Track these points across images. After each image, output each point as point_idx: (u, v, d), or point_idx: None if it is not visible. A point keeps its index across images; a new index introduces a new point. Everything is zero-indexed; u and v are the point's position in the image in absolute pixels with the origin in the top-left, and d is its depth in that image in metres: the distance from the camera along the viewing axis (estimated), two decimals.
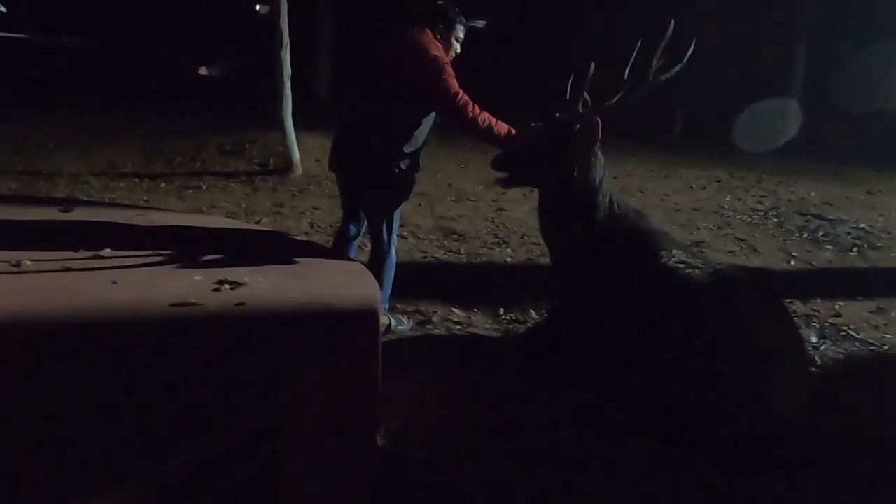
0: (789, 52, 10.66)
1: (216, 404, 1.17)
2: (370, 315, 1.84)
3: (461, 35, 2.89)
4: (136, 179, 6.28)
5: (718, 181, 7.30)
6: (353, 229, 3.09)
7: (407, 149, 2.77)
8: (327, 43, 14.61)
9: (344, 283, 1.99)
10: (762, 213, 5.86)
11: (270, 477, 1.22)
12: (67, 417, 1.10)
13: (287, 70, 6.42)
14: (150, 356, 1.36)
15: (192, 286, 1.82)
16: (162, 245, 2.24)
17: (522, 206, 5.95)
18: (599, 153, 2.60)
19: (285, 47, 6.36)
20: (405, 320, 3.18)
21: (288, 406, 1.25)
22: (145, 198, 5.60)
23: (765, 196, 6.59)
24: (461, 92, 2.63)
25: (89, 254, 2.10)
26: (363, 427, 1.80)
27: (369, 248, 3.02)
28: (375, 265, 2.83)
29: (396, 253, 3.00)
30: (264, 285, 1.87)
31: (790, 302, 3.71)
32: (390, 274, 2.95)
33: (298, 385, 1.30)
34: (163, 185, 6.09)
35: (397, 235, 3.03)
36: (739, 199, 6.42)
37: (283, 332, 1.57)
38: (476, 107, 2.65)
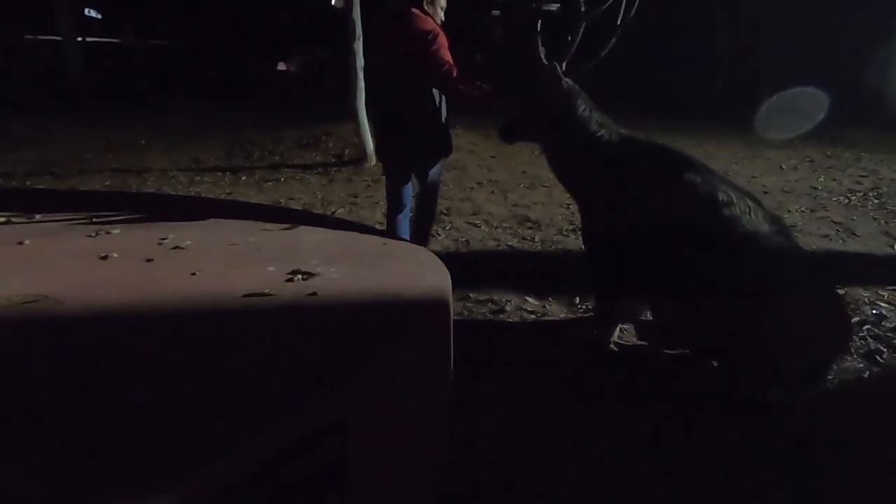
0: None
1: (285, 396, 1.16)
2: (442, 305, 1.80)
3: (444, 4, 3.19)
4: (219, 174, 6.51)
5: (811, 161, 6.85)
6: (404, 207, 3.41)
7: (435, 112, 3.15)
8: None
9: (415, 272, 1.97)
10: (861, 195, 5.45)
11: (338, 469, 1.21)
12: (141, 409, 1.12)
13: (360, 61, 6.47)
14: (223, 348, 1.37)
15: (266, 277, 1.83)
16: (239, 236, 2.28)
17: None
18: (572, 91, 2.69)
19: (358, 38, 6.40)
20: None
21: (356, 399, 1.23)
22: (228, 191, 5.80)
23: (864, 176, 6.13)
24: (448, 62, 2.94)
25: (171, 246, 2.16)
26: (433, 422, 1.77)
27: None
28: (427, 220, 3.45)
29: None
30: (336, 275, 1.87)
31: (894, 289, 3.43)
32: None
33: (367, 377, 1.28)
34: (244, 178, 6.29)
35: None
36: (835, 180, 6.00)
37: (354, 322, 1.55)
38: (458, 74, 2.95)
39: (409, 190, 3.40)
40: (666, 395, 2.40)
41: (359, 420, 1.26)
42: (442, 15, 3.18)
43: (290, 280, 1.81)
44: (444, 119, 3.21)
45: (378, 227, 4.70)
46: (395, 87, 3.12)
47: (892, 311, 3.21)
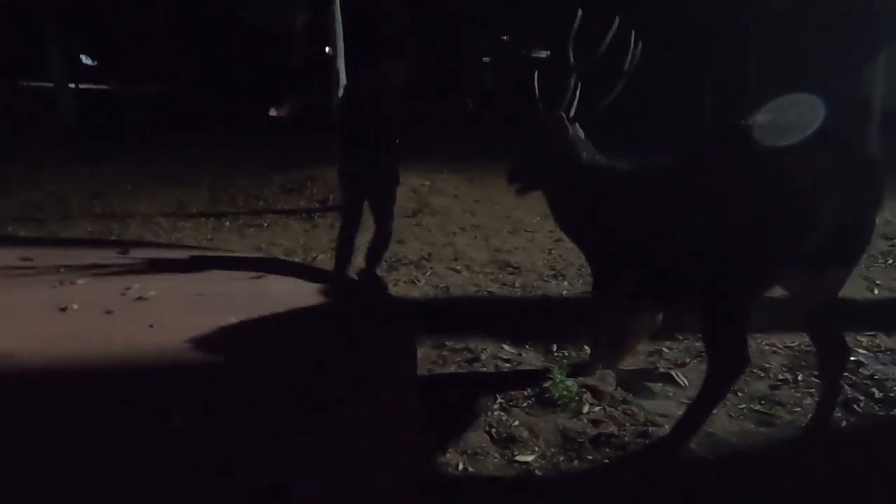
0: None
1: (222, 458, 1.13)
2: (405, 355, 1.78)
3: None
4: (203, 219, 6.51)
5: None
6: (354, 228, 4.29)
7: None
8: None
9: (379, 320, 1.95)
10: None
11: None
12: (71, 471, 1.08)
13: None
14: (169, 403, 1.35)
15: (225, 328, 1.81)
16: (207, 285, 2.27)
17: None
18: (575, 135, 2.81)
19: (342, 87, 6.50)
20: None
21: (299, 460, 1.20)
22: (210, 237, 5.79)
23: None
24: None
25: (135, 296, 2.14)
26: (393, 482, 1.72)
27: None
28: (383, 243, 4.27)
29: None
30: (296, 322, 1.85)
31: (872, 335, 3.43)
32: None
33: (312, 435, 1.25)
34: (227, 223, 6.29)
35: None
36: None
37: (308, 375, 1.53)
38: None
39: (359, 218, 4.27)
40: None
41: (302, 483, 1.23)
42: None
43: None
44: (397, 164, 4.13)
45: (359, 271, 4.69)
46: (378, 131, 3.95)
47: (869, 357, 3.21)
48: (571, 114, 2.83)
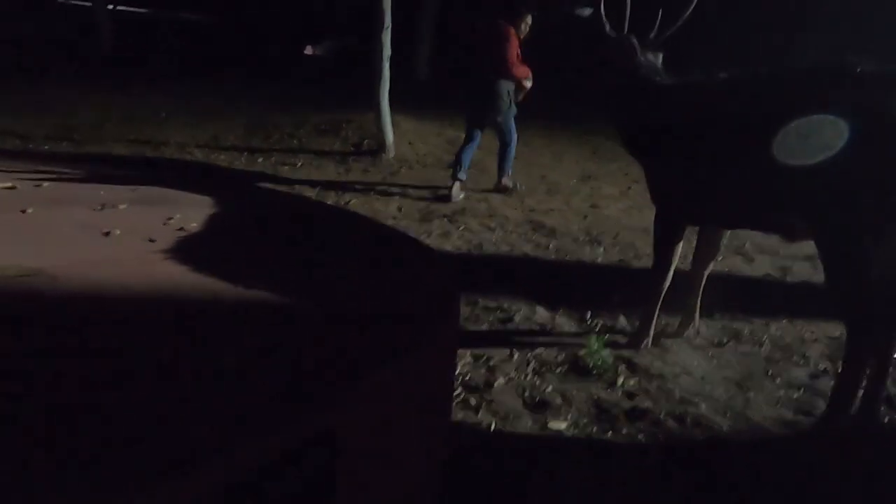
0: None
1: (267, 407, 1.09)
2: (450, 313, 1.72)
3: (529, 21, 5.30)
4: (236, 153, 6.46)
5: None
6: (475, 143, 5.56)
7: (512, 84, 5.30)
8: (428, 26, 14.58)
9: (422, 274, 1.88)
10: None
11: (326, 485, 1.14)
12: (117, 406, 1.05)
13: (387, 51, 6.38)
14: (209, 347, 1.30)
15: (264, 273, 1.76)
16: (245, 221, 2.22)
17: (617, 203, 5.69)
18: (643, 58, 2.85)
19: (386, 28, 6.32)
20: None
21: (346, 410, 1.16)
22: (244, 172, 5.74)
23: None
24: (518, 59, 5.17)
25: (178, 226, 2.09)
26: (432, 437, 1.69)
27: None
28: (506, 150, 5.60)
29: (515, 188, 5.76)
30: (338, 273, 1.79)
31: None
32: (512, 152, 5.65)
33: (359, 389, 1.20)
34: (260, 159, 6.23)
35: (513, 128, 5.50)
36: None
37: (352, 327, 1.47)
38: (519, 65, 5.18)
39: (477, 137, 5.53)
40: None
41: (349, 433, 1.18)
42: (526, 31, 5.29)
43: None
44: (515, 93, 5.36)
45: (392, 221, 4.63)
46: (494, 64, 5.20)
47: None
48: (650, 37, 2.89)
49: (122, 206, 2.29)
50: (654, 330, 2.94)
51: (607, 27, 2.95)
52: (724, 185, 2.43)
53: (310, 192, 5.14)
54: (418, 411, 1.53)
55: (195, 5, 19.27)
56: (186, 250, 1.87)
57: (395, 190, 5.50)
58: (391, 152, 6.60)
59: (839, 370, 2.23)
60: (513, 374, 2.54)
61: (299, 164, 6.18)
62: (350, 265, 1.90)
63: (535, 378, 2.53)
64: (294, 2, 18.43)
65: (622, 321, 3.21)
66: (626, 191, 6.20)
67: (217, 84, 10.81)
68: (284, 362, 1.26)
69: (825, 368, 2.87)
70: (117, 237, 1.95)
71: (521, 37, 5.24)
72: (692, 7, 2.88)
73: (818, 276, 4.14)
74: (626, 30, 2.98)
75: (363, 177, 5.87)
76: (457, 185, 5.35)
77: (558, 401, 2.37)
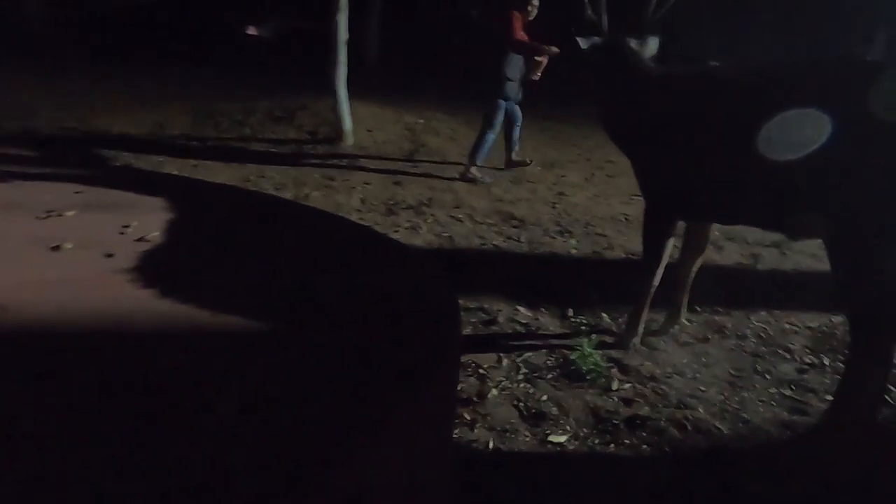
0: None
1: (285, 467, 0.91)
2: (453, 333, 1.56)
3: (535, 3, 5.38)
4: (185, 143, 6.10)
5: None
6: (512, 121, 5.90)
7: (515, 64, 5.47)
8: (377, 6, 14.23)
9: (418, 286, 1.71)
10: None
11: None
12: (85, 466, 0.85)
13: (343, 35, 6.12)
14: (195, 389, 1.11)
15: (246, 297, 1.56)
16: (211, 226, 2.00)
17: (584, 191, 5.62)
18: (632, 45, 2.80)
19: (342, 10, 6.05)
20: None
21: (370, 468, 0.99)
22: (194, 163, 5.42)
23: None
24: (516, 32, 5.16)
25: (137, 236, 1.86)
26: (443, 473, 1.53)
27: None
28: (483, 136, 5.62)
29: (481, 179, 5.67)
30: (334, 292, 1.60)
31: None
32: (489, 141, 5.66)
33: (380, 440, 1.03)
34: (211, 150, 5.90)
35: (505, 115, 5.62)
36: None
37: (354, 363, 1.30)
38: (521, 42, 5.14)
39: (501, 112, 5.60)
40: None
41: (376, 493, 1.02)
42: (533, 13, 5.39)
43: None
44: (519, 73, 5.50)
45: (356, 214, 4.43)
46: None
47: None
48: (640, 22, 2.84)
49: (70, 213, 2.03)
50: (642, 327, 2.86)
51: (588, 10, 2.82)
52: (724, 181, 2.33)
53: (267, 186, 4.87)
54: (432, 451, 1.37)
55: None
56: (152, 267, 1.65)
57: (356, 180, 5.28)
58: (349, 140, 6.36)
59: (846, 371, 2.17)
60: (505, 383, 2.41)
61: (252, 154, 5.87)
62: (335, 276, 1.71)
63: (528, 386, 2.40)
64: None
65: (605, 318, 3.11)
66: (590, 177, 6.14)
67: (157, 67, 10.26)
68: (284, 413, 1.07)
69: (811, 362, 2.84)
70: (69, 252, 1.71)
71: (528, 18, 5.37)
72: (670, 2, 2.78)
73: (787, 264, 4.17)
74: (604, 16, 2.86)
75: (322, 167, 5.62)
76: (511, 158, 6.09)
77: (555, 411, 2.25)
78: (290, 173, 5.33)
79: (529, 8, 5.35)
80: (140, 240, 1.86)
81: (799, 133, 1.99)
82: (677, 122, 2.48)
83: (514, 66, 5.45)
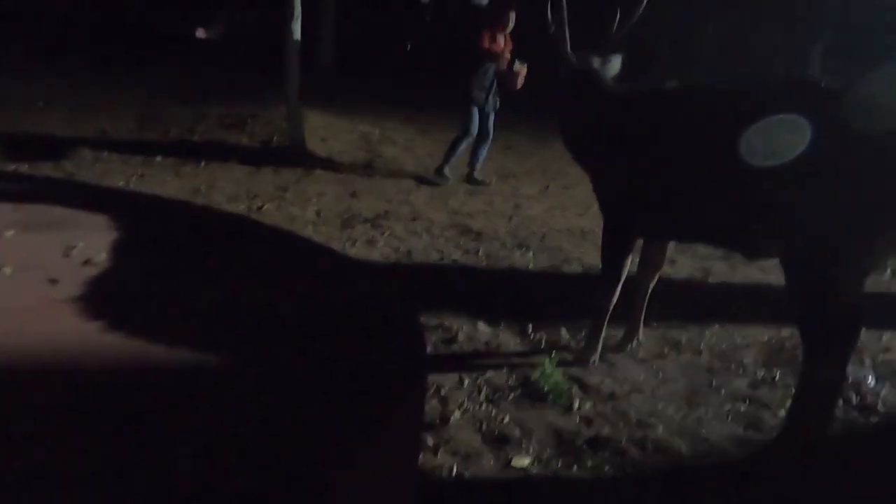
0: None
1: None
2: (413, 352, 1.52)
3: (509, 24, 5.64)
4: (130, 152, 5.88)
5: None
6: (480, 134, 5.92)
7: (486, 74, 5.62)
8: (330, 10, 14.09)
9: (378, 304, 1.66)
10: None
11: None
12: None
13: (296, 43, 6.02)
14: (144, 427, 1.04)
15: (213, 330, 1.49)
16: (164, 246, 1.92)
17: (540, 203, 5.66)
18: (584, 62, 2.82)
19: (296, 18, 5.95)
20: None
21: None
22: (140, 172, 5.22)
23: None
24: (484, 41, 5.47)
25: (82, 258, 1.76)
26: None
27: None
28: (457, 140, 5.89)
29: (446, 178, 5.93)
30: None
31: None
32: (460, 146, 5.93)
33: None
34: (159, 158, 5.70)
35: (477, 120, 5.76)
36: None
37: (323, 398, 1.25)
38: (489, 49, 5.48)
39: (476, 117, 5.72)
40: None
41: None
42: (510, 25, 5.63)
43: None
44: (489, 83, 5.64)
45: (311, 227, 4.34)
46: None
47: None
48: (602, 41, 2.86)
49: (8, 234, 1.92)
50: (601, 344, 2.87)
51: (552, 28, 2.84)
52: (682, 201, 2.37)
53: (218, 197, 4.74)
54: (397, 479, 1.33)
55: None
56: (99, 293, 1.56)
57: (311, 192, 5.18)
58: (303, 150, 6.25)
59: (799, 385, 2.22)
60: (467, 405, 2.38)
61: (203, 163, 5.70)
62: (292, 299, 1.65)
63: (491, 407, 2.38)
64: None
65: (564, 334, 3.12)
66: (545, 189, 6.19)
67: (98, 68, 9.88)
68: (250, 460, 1.02)
69: (763, 376, 2.91)
70: (9, 278, 1.61)
71: (504, 31, 5.60)
72: (640, 12, 2.82)
73: (736, 277, 4.27)
74: (566, 33, 2.88)
75: (275, 178, 5.50)
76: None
77: (517, 433, 2.24)
78: (242, 184, 5.19)
79: (504, 21, 5.55)
80: (86, 263, 1.77)
81: (753, 154, 2.04)
82: (636, 141, 2.51)
83: (484, 75, 5.56)
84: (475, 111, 5.67)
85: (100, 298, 1.52)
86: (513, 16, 5.62)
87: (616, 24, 2.90)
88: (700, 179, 2.28)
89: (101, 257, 1.82)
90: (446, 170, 5.88)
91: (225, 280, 1.76)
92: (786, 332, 3.29)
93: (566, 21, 2.88)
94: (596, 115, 2.76)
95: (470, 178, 6.01)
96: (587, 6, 3.26)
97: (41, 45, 11.35)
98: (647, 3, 2.87)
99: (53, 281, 1.60)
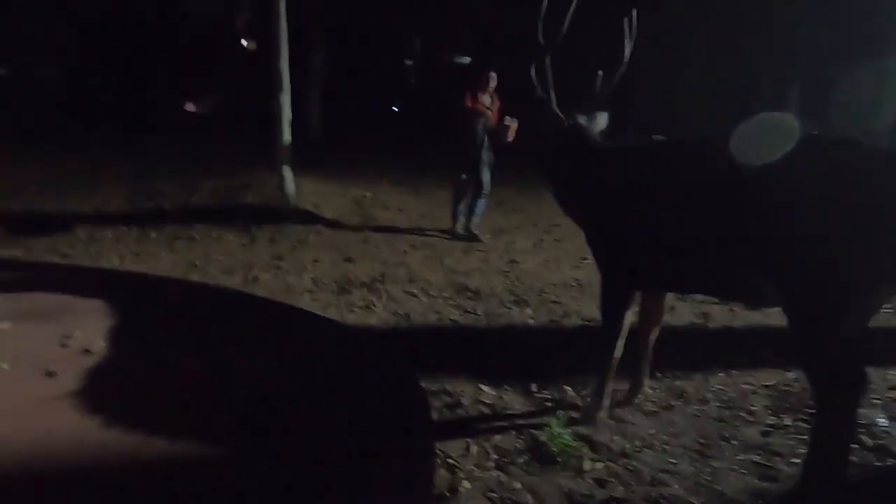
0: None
1: None
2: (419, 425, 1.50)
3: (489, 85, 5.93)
4: (124, 227, 5.90)
5: None
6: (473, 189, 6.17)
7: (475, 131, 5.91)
8: (319, 79, 14.42)
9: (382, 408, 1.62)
10: None
11: None
12: None
13: (287, 115, 6.15)
14: None
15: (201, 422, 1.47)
16: (160, 331, 1.91)
17: (534, 256, 5.68)
18: (573, 121, 2.87)
19: (285, 91, 6.09)
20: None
21: None
22: (134, 250, 5.23)
23: None
24: (467, 101, 5.84)
25: (80, 348, 1.74)
26: None
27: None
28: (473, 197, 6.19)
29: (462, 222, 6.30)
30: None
31: None
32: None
33: None
34: (153, 234, 5.72)
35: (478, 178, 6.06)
36: None
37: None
38: (473, 107, 5.84)
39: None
40: None
41: None
42: (490, 89, 5.91)
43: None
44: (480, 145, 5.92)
45: (308, 296, 4.33)
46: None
47: None
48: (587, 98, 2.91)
49: (4, 326, 1.90)
50: (607, 400, 2.83)
51: (538, 90, 2.91)
52: (676, 253, 2.38)
53: (214, 270, 4.73)
54: None
55: (59, 61, 17.96)
56: (98, 386, 1.54)
57: (306, 259, 5.19)
58: (297, 217, 6.29)
59: (812, 434, 2.18)
60: (476, 472, 2.32)
61: (197, 236, 5.72)
62: (297, 383, 1.63)
63: (500, 474, 2.32)
64: (163, 50, 17.62)
65: (569, 392, 3.08)
66: (539, 243, 6.22)
67: (90, 146, 10.02)
68: None
69: (773, 423, 2.86)
70: (5, 373, 1.59)
71: (488, 90, 5.92)
72: (623, 70, 2.90)
73: (736, 321, 4.26)
74: (552, 92, 2.94)
75: (270, 247, 5.52)
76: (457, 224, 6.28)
77: (529, 499, 2.18)
78: (237, 255, 5.20)
79: (485, 81, 5.83)
80: (85, 352, 1.75)
81: (745, 204, 2.06)
82: (627, 196, 2.54)
83: (473, 133, 5.85)
84: (462, 170, 6.00)
85: (98, 391, 1.50)
86: (493, 76, 5.87)
87: (599, 83, 2.97)
88: (693, 233, 2.29)
89: (99, 345, 1.81)
90: (458, 227, 6.24)
91: (223, 361, 1.74)
92: (792, 374, 3.26)
93: (551, 81, 2.95)
94: (586, 172, 2.79)
95: (466, 231, 6.20)
96: (571, 64, 3.35)
97: (33, 128, 11.54)
98: (630, 60, 2.96)
99: (51, 374, 1.58)
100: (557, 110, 2.92)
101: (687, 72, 12.36)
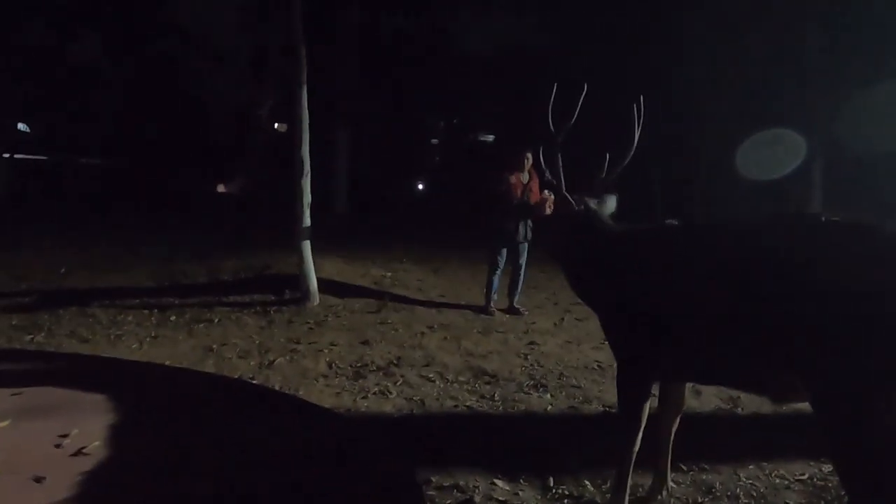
0: None
1: None
2: None
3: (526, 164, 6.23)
4: (146, 311, 5.96)
5: None
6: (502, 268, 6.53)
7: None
8: (343, 159, 14.84)
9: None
10: None
11: None
12: None
13: (307, 198, 6.26)
14: None
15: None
16: (164, 431, 1.86)
17: (554, 337, 5.57)
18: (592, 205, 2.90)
19: (306, 175, 6.23)
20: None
21: None
22: (154, 333, 5.24)
23: None
24: (504, 187, 6.15)
25: (73, 450, 1.71)
26: None
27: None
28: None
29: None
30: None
31: None
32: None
33: None
34: (173, 318, 5.75)
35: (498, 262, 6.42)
36: None
37: None
38: (508, 187, 6.15)
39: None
40: None
41: None
42: (527, 167, 6.22)
43: None
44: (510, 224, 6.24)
45: (322, 380, 4.26)
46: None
47: None
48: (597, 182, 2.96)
49: (3, 424, 1.88)
50: (629, 495, 2.68)
51: (547, 174, 2.93)
52: (693, 341, 2.30)
53: (230, 354, 4.71)
54: None
55: (98, 149, 18.85)
56: (85, 494, 1.49)
57: (323, 342, 5.14)
58: (315, 300, 6.29)
59: None
60: None
61: (216, 319, 5.74)
62: (289, 476, 1.57)
63: None
64: (199, 139, 18.41)
65: (588, 487, 2.93)
66: (559, 323, 6.12)
67: (123, 230, 10.33)
68: None
69: None
70: None
71: (522, 170, 6.23)
72: (633, 152, 2.92)
73: (766, 406, 4.06)
74: (562, 179, 2.96)
75: (287, 330, 5.49)
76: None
77: None
78: (254, 339, 5.18)
79: (524, 159, 6.16)
80: (77, 454, 1.72)
81: (763, 291, 1.99)
82: (641, 282, 2.48)
83: (508, 211, 6.11)
84: (500, 247, 6.31)
85: (83, 499, 1.45)
86: (530, 155, 6.12)
87: (607, 167, 2.98)
88: (706, 317, 2.21)
89: (95, 445, 1.77)
90: (491, 307, 6.42)
91: (224, 460, 1.69)
92: (827, 467, 3.07)
93: (561, 166, 2.97)
94: (599, 256, 2.76)
95: (510, 309, 6.45)
96: (581, 148, 3.39)
97: (76, 212, 11.97)
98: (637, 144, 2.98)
99: (39, 479, 1.54)
100: (568, 194, 2.93)
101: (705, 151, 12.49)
